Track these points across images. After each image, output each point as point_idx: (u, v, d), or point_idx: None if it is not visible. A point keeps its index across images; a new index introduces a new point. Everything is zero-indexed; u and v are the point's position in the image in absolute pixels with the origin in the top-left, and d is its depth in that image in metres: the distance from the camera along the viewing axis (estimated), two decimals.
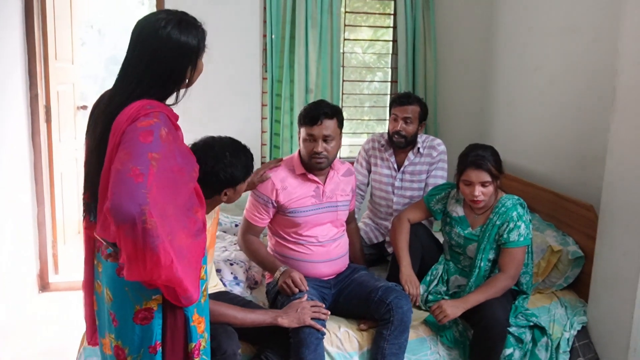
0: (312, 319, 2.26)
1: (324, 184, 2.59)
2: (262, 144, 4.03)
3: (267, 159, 3.97)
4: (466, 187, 2.54)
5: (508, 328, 2.57)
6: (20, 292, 3.52)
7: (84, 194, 1.70)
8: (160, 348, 1.63)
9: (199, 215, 1.63)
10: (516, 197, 2.60)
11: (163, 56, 1.58)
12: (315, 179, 2.57)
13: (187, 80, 1.65)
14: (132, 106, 1.52)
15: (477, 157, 2.51)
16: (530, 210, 3.29)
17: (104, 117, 1.57)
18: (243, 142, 3.96)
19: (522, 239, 2.51)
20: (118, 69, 1.65)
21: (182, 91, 1.68)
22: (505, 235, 2.52)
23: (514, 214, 2.52)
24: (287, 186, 2.53)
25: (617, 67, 2.49)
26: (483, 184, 2.49)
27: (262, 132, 4.01)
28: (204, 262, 1.71)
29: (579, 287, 2.88)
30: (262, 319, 2.22)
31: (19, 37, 3.48)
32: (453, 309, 2.41)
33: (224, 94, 3.89)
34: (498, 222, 2.54)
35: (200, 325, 1.68)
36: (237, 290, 2.71)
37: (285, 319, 2.23)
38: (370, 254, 3.18)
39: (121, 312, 1.61)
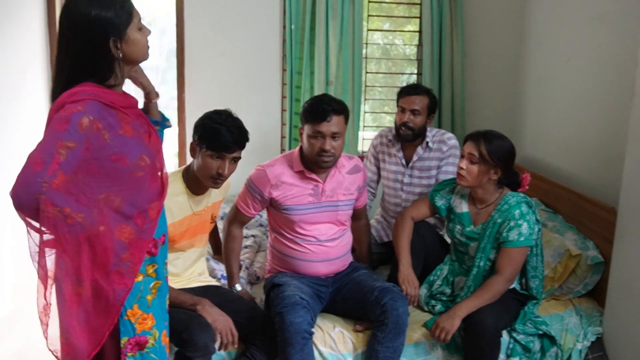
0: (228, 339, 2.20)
1: (324, 182, 2.49)
2: (282, 137, 3.97)
3: (287, 151, 3.91)
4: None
5: (514, 335, 2.44)
6: (24, 286, 3.49)
7: None
8: None
9: (150, 211, 1.60)
10: (522, 195, 2.43)
11: (77, 34, 1.52)
12: (315, 177, 2.47)
13: (118, 55, 1.56)
14: (64, 94, 1.51)
15: (476, 132, 2.44)
16: (553, 211, 3.14)
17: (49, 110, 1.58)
18: (262, 134, 3.98)
19: (522, 238, 2.35)
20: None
21: (126, 68, 1.62)
22: (504, 234, 2.37)
23: (517, 212, 2.36)
24: (283, 182, 2.44)
25: (638, 57, 2.28)
26: (470, 159, 2.39)
27: (282, 124, 3.95)
28: (159, 259, 1.69)
29: (599, 294, 2.68)
30: (182, 300, 2.20)
31: (41, 29, 3.53)
32: (450, 321, 2.29)
33: (243, 85, 3.86)
34: (499, 220, 2.39)
35: (145, 322, 1.64)
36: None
37: (208, 315, 2.17)
38: (380, 253, 3.07)
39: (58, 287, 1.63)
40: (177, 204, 2.26)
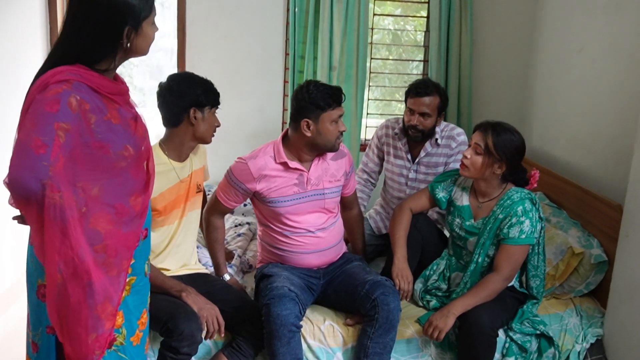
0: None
1: (309, 171, 2.41)
2: (283, 122, 3.89)
3: None
4: None
5: (511, 334, 2.36)
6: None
7: None
8: None
9: (133, 203, 1.51)
10: (527, 191, 2.33)
11: (97, 13, 1.43)
12: (299, 166, 2.38)
13: (126, 45, 1.49)
14: (49, 72, 1.40)
15: (486, 122, 2.34)
16: (558, 206, 3.03)
17: (30, 86, 1.46)
18: (264, 119, 3.88)
19: (523, 236, 2.25)
20: None
21: (124, 58, 1.53)
22: (505, 230, 2.27)
23: (519, 208, 2.26)
24: (266, 175, 2.35)
25: None
26: (476, 149, 2.29)
27: (284, 110, 3.86)
28: (137, 254, 1.60)
29: (601, 294, 2.58)
30: (170, 285, 2.16)
31: (41, 9, 3.46)
32: (444, 319, 2.20)
33: (245, 69, 3.78)
34: (501, 216, 2.30)
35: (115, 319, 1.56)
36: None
37: (194, 303, 2.12)
38: (378, 245, 2.98)
39: (29, 283, 1.54)
40: (163, 173, 2.19)
